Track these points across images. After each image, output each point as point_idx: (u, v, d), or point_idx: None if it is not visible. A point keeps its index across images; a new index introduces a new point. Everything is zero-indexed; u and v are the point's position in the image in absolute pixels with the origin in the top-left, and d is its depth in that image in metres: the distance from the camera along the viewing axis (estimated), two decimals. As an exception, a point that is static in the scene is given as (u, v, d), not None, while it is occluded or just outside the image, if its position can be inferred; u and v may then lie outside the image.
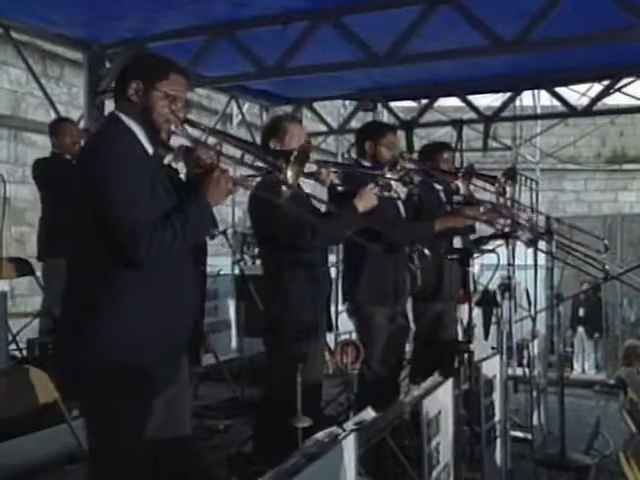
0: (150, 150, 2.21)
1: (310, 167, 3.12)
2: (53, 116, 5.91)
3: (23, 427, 2.86)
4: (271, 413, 2.88)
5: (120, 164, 2.06)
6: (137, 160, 2.11)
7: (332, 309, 3.42)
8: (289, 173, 2.21)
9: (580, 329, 11.06)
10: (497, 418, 3.19)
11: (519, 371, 4.22)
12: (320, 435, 1.85)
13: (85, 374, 2.08)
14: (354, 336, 5.64)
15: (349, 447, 1.88)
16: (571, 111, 6.94)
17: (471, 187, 3.80)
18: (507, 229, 3.54)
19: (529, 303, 4.18)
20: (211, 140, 2.41)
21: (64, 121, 5.02)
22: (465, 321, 2.94)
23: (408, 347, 4.17)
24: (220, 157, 2.23)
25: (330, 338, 3.98)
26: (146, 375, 2.08)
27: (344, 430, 1.94)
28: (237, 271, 5.92)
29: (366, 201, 3.12)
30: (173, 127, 2.19)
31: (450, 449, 2.59)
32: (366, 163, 3.68)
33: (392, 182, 3.38)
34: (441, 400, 2.51)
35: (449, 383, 2.60)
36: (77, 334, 2.09)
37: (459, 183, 3.58)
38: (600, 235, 10.40)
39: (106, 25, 5.17)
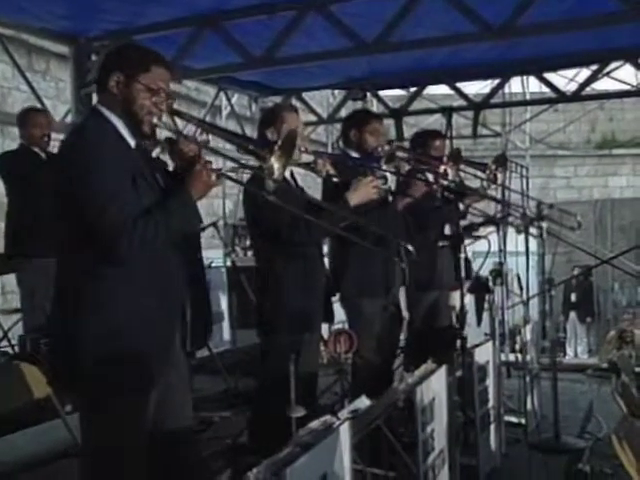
0: (132, 143, 2.19)
1: (306, 157, 3.11)
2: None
3: (16, 423, 2.86)
4: (266, 404, 2.88)
5: (100, 159, 2.04)
6: (118, 154, 2.09)
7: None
8: (274, 164, 2.18)
9: (572, 314, 11.14)
10: (491, 404, 3.21)
11: (512, 357, 4.24)
12: (314, 424, 1.85)
13: (79, 371, 2.07)
14: (347, 326, 5.67)
15: (344, 435, 1.88)
16: (560, 96, 6.94)
17: (460, 173, 3.78)
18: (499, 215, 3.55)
19: (520, 289, 4.19)
20: (197, 131, 2.39)
21: (33, 111, 4.67)
22: (458, 308, 2.95)
23: (402, 336, 4.17)
24: (202, 149, 2.21)
25: (324, 328, 3.98)
26: (139, 369, 2.08)
27: (338, 419, 1.94)
28: (229, 263, 5.92)
29: (361, 194, 3.06)
30: (155, 119, 2.17)
31: (445, 435, 2.61)
32: (352, 152, 3.68)
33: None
34: (435, 387, 2.52)
35: (442, 370, 2.60)
36: (69, 332, 2.08)
37: (448, 168, 3.56)
38: (591, 220, 10.45)
39: (92, 18, 5.12)
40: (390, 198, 3.64)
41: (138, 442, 2.11)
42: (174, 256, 2.22)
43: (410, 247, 2.60)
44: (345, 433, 1.88)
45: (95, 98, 2.30)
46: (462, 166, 3.83)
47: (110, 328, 2.04)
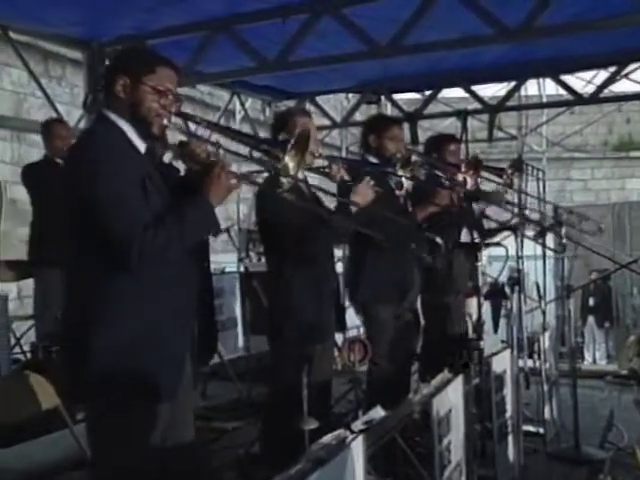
0: (142, 148, 2.14)
1: (320, 162, 3.07)
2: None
3: (26, 434, 2.83)
4: (277, 415, 2.83)
5: (108, 165, 1.99)
6: (126, 160, 2.05)
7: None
8: (289, 163, 2.13)
9: (590, 319, 10.98)
10: (509, 414, 3.13)
11: (529, 363, 4.15)
12: (327, 438, 1.79)
13: (88, 381, 2.03)
14: (362, 331, 5.60)
15: (357, 449, 1.83)
16: (577, 99, 6.83)
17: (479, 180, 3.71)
18: (515, 221, 3.48)
19: (539, 297, 4.11)
20: (207, 134, 2.33)
21: (54, 122, 4.84)
22: (474, 316, 2.88)
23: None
24: (215, 150, 2.16)
25: (337, 336, 3.93)
26: (150, 380, 2.03)
27: (352, 432, 1.88)
28: (242, 268, 5.88)
29: (362, 196, 3.01)
30: (165, 122, 2.13)
31: (462, 447, 2.54)
32: (371, 157, 3.65)
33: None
34: (451, 398, 2.45)
35: (459, 380, 2.54)
36: (78, 341, 2.04)
37: (467, 177, 3.50)
38: (610, 223, 10.32)
39: (105, 23, 5.12)
40: (409, 205, 3.61)
41: (146, 455, 2.07)
42: (186, 264, 2.17)
43: (438, 239, 2.56)
44: (359, 447, 1.83)
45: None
46: (480, 170, 3.77)
47: (118, 340, 2.00)
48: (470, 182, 3.51)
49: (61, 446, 2.72)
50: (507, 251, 2.93)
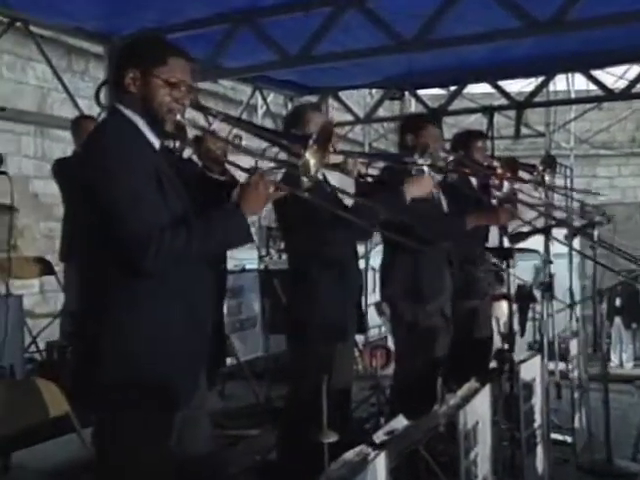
0: (156, 144, 2.04)
1: (336, 158, 2.98)
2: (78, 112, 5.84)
3: (35, 438, 2.78)
4: (296, 424, 2.74)
5: (122, 161, 1.89)
6: (141, 156, 1.94)
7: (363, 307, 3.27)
8: (310, 160, 2.03)
9: (617, 320, 10.73)
10: (537, 423, 3.01)
11: (561, 366, 4.04)
12: (348, 455, 1.69)
13: (100, 388, 1.95)
14: (383, 330, 5.50)
15: (380, 466, 1.73)
16: (608, 95, 6.63)
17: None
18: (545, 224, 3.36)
19: (572, 302, 3.97)
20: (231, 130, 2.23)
21: (84, 119, 4.85)
22: (502, 320, 2.77)
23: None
24: (232, 147, 2.06)
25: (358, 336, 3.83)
26: (163, 387, 1.95)
27: (374, 447, 1.78)
28: (263, 266, 5.80)
29: (420, 187, 2.91)
30: (179, 117, 2.02)
31: (488, 460, 2.42)
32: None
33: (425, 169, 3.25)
34: (478, 409, 2.34)
35: (487, 390, 2.42)
36: (89, 342, 1.97)
37: (505, 181, 3.38)
38: (636, 222, 10.08)
39: (126, 17, 5.05)
40: (444, 204, 3.52)
41: (158, 462, 1.98)
42: (203, 268, 2.07)
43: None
44: (381, 463, 1.73)
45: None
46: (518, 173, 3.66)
47: (134, 344, 1.92)
48: (506, 186, 3.39)
49: (71, 449, 2.66)
50: (541, 256, 2.80)
